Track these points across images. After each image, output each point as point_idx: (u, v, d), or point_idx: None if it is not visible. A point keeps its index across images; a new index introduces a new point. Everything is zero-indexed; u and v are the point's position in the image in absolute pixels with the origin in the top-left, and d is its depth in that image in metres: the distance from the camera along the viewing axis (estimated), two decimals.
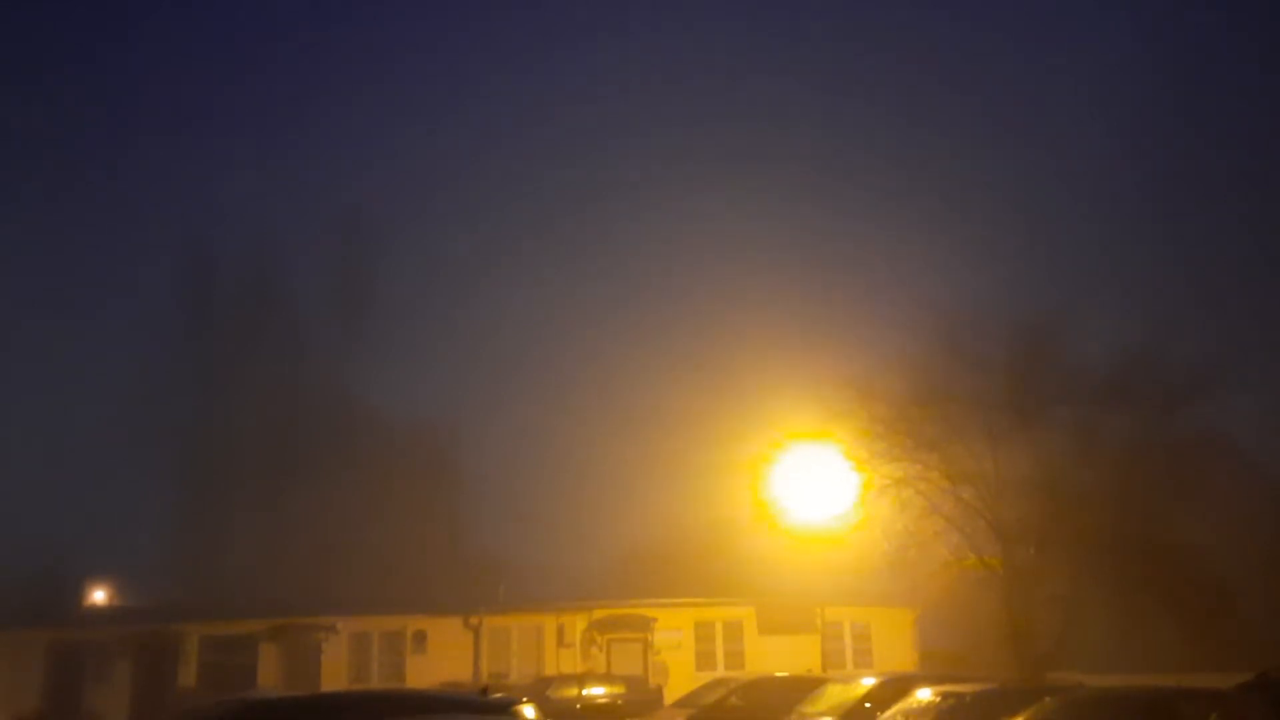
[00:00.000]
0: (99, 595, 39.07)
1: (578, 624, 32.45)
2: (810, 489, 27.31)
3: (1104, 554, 22.79)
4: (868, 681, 20.13)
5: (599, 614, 32.50)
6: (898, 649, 33.05)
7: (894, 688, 18.70)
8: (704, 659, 32.65)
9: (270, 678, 30.99)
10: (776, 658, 30.47)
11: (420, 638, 32.21)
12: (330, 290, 43.33)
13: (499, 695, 22.79)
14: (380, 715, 10.34)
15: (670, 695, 28.54)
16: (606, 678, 29.59)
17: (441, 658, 31.62)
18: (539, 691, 26.36)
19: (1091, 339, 24.80)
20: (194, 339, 43.06)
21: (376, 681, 31.05)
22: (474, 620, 32.18)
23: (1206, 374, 22.82)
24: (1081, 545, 22.84)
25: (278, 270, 44.26)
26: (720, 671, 30.24)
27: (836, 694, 19.92)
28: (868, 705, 18.69)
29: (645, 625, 32.59)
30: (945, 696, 17.05)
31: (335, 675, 31.03)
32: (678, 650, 32.53)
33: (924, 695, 17.39)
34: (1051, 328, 24.07)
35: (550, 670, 31.16)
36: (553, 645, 32.47)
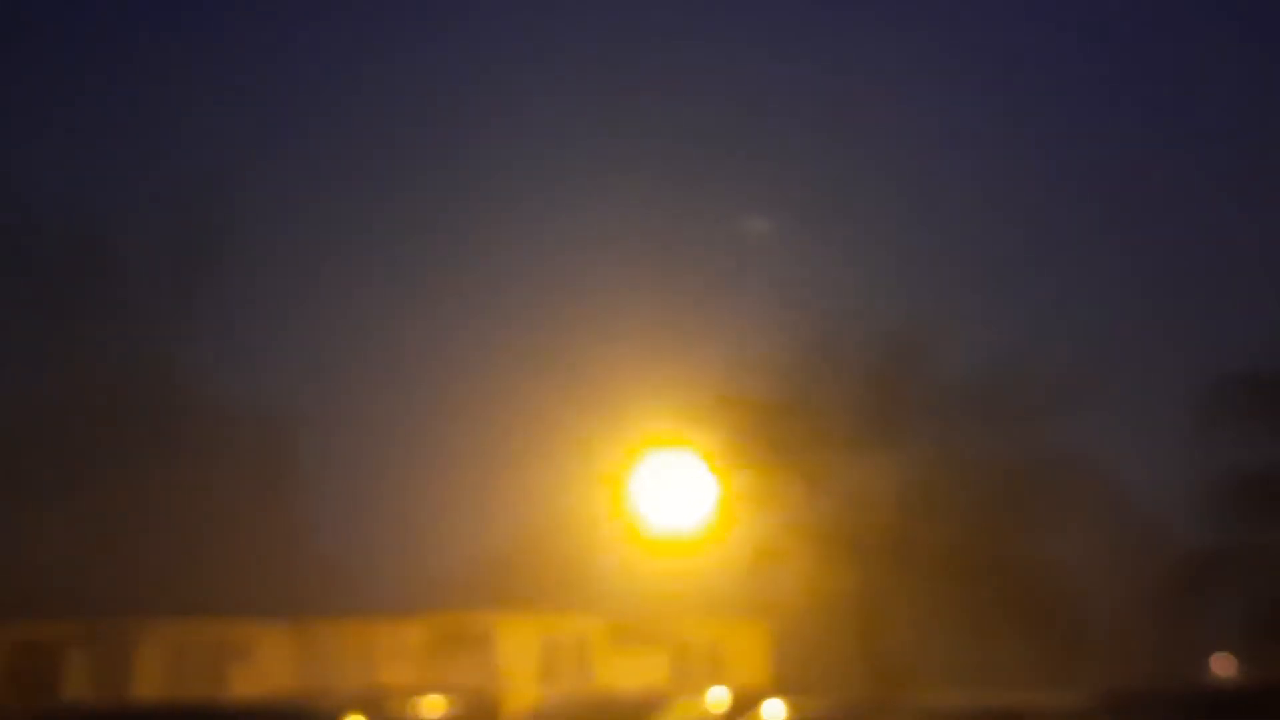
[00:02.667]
0: None
1: (415, 633, 30.98)
2: (667, 497, 26.79)
3: (960, 568, 22.82)
4: (718, 697, 19.89)
5: (438, 623, 31.11)
6: (751, 663, 32.60)
7: (744, 703, 18.60)
8: (548, 673, 31.54)
9: (77, 686, 28.63)
10: (626, 673, 29.65)
11: (243, 646, 30.22)
12: (165, 266, 40.70)
13: (326, 705, 21.21)
14: None
15: (511, 709, 27.36)
16: (443, 689, 28.17)
17: (267, 667, 29.68)
18: (371, 703, 24.81)
19: (958, 352, 24.75)
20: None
21: (195, 692, 28.93)
22: (302, 627, 30.39)
23: (1068, 391, 23.03)
24: (938, 559, 22.81)
25: (104, 238, 41.26)
26: (565, 686, 29.20)
27: (686, 710, 19.66)
28: None
29: (486, 636, 31.33)
30: (796, 711, 17.06)
31: (150, 684, 28.82)
32: (520, 663, 31.36)
33: (773, 710, 17.24)
34: (918, 339, 23.97)
35: (383, 681, 29.56)
36: (387, 655, 30.90)
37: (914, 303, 25.12)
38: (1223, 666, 27.47)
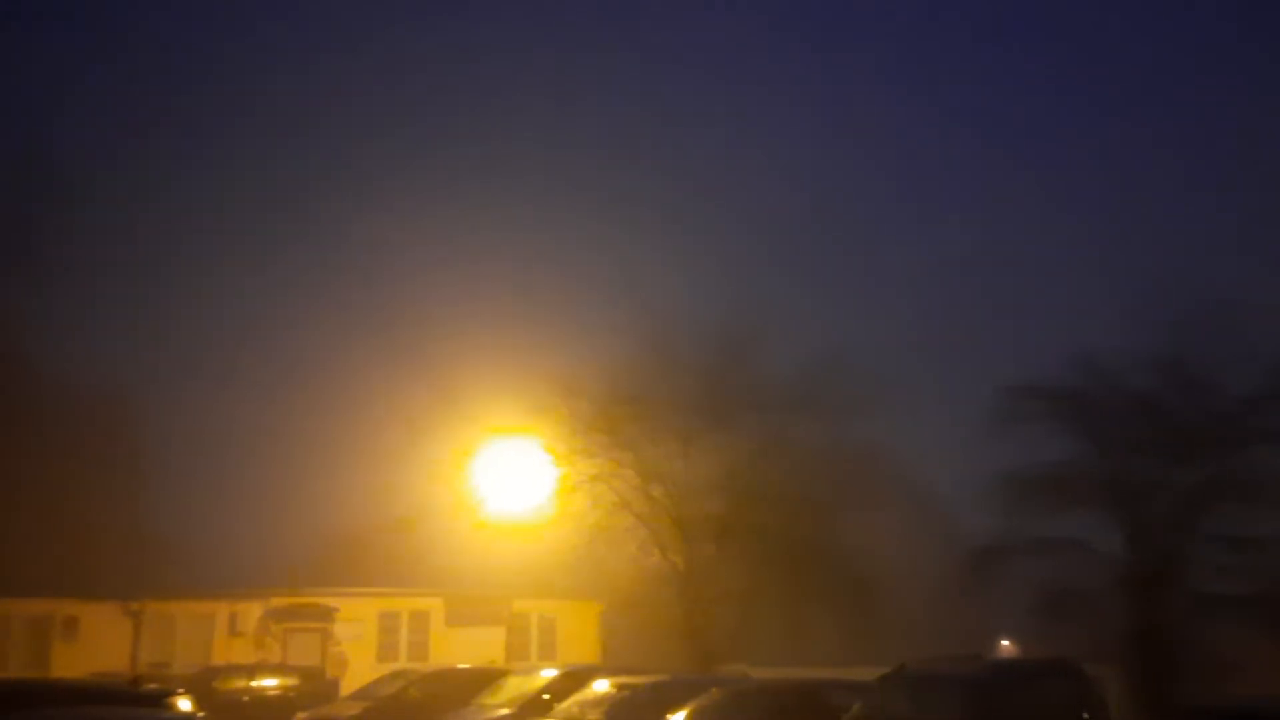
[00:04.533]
0: None
1: (253, 612, 30.79)
2: (508, 482, 27.40)
3: (778, 553, 24.16)
4: (548, 673, 20.42)
5: (276, 602, 30.95)
6: (583, 641, 33.55)
7: (573, 679, 19.04)
8: (387, 650, 31.81)
9: None
10: (463, 649, 30.20)
11: (70, 624, 29.53)
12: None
13: (153, 686, 21.17)
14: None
15: (348, 687, 27.62)
16: (279, 669, 28.22)
17: (95, 646, 29.08)
18: (204, 683, 24.78)
19: (781, 350, 26.24)
20: None
21: (15, 671, 28.09)
22: (134, 606, 29.87)
23: (881, 389, 24.70)
24: (758, 544, 24.12)
25: None
26: (403, 663, 29.59)
27: (516, 686, 20.12)
28: (546, 697, 18.95)
29: (326, 615, 31.36)
30: (620, 688, 17.51)
31: None
32: (359, 641, 31.54)
33: (600, 686, 17.81)
34: (747, 337, 25.23)
35: (219, 661, 29.37)
36: (224, 634, 30.64)
37: (742, 304, 26.49)
38: (1009, 648, 29.91)
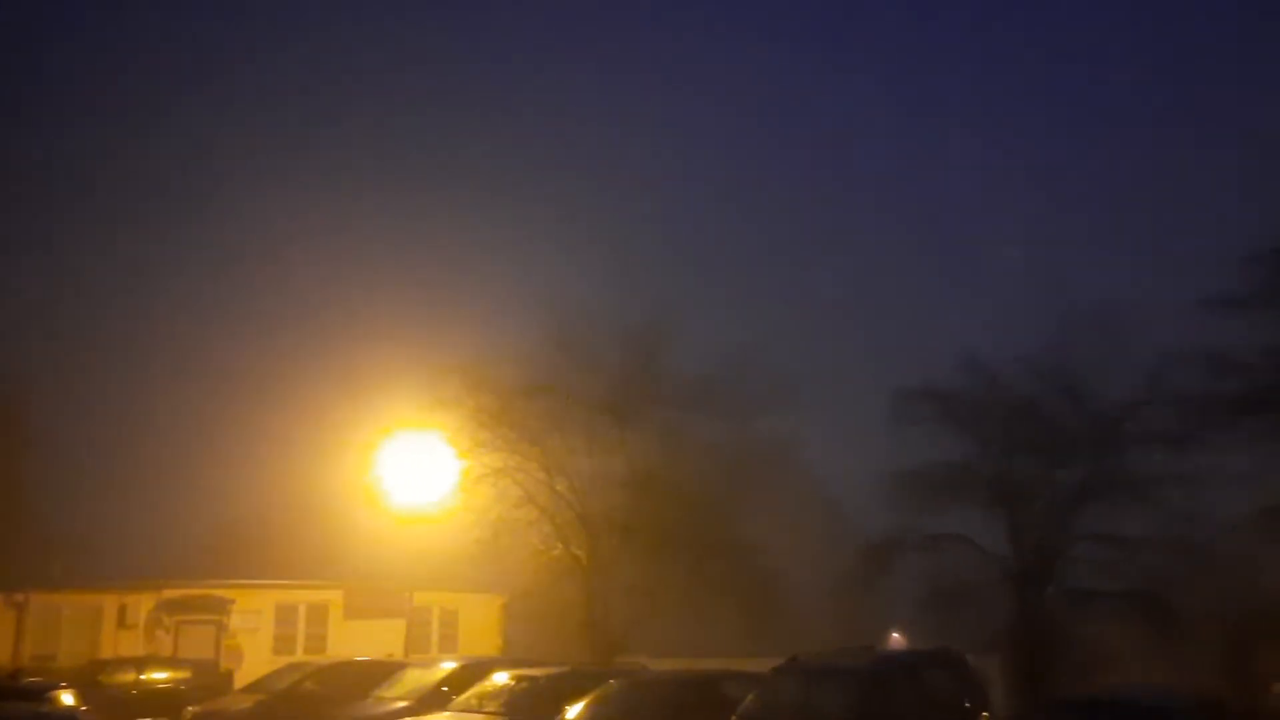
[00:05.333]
0: None
1: (144, 604, 30.09)
2: (411, 474, 27.28)
3: (680, 548, 24.48)
4: (447, 666, 20.42)
5: (169, 594, 30.31)
6: (484, 634, 33.56)
7: (472, 672, 19.08)
8: (283, 643, 31.39)
9: None
10: (362, 642, 29.92)
11: None
12: None
13: (35, 680, 20.59)
14: None
15: (242, 680, 27.20)
16: (170, 662, 27.68)
17: None
18: (89, 676, 24.24)
19: (689, 347, 26.57)
20: None
21: None
22: (18, 597, 28.96)
23: (783, 389, 25.15)
24: (660, 539, 24.40)
25: None
26: (300, 656, 29.25)
27: (415, 678, 20.05)
28: (445, 689, 18.95)
29: (221, 607, 30.82)
30: (520, 680, 17.64)
31: None
32: (254, 634, 31.05)
33: (500, 679, 17.91)
34: (654, 333, 25.47)
35: (108, 654, 28.66)
36: (113, 627, 29.87)
37: (650, 300, 26.70)
38: (899, 640, 30.84)
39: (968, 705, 14.36)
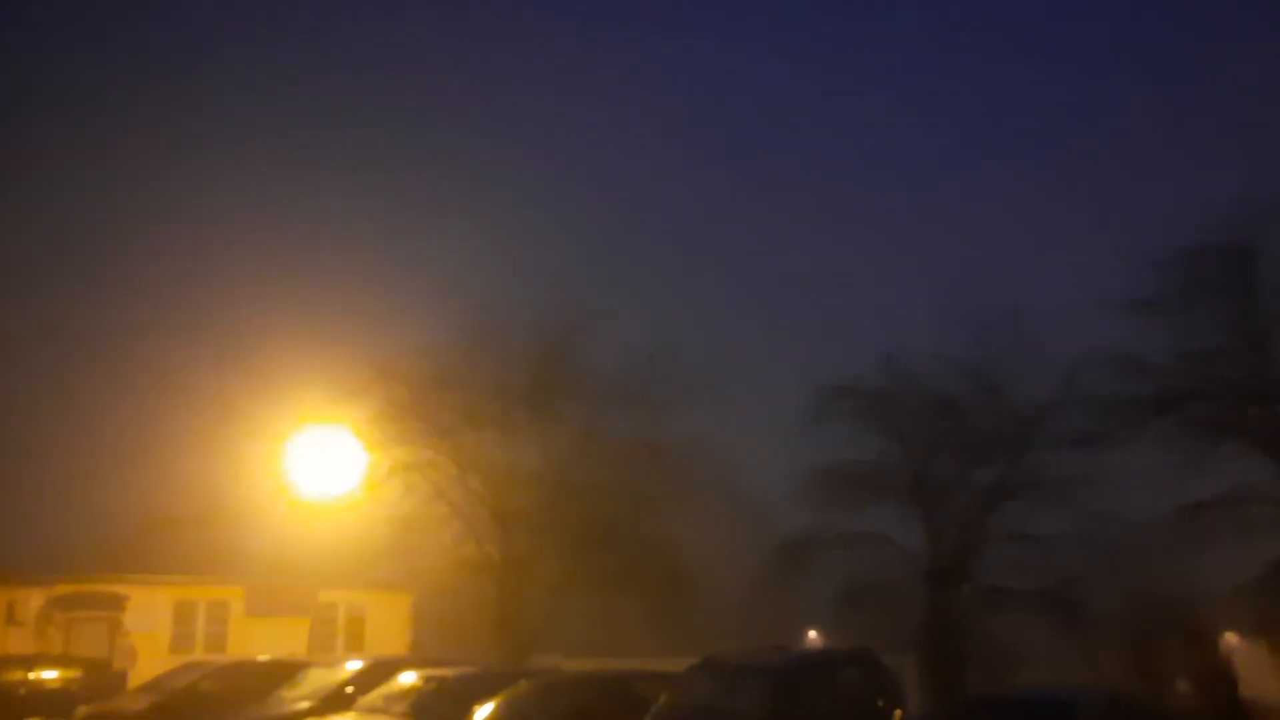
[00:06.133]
0: None
1: (33, 600, 28.80)
2: (318, 469, 26.51)
3: (595, 546, 24.13)
4: (352, 666, 19.80)
5: (60, 590, 29.03)
6: (393, 633, 32.83)
7: (378, 672, 18.53)
8: (181, 641, 30.29)
9: None
10: (264, 641, 29.00)
11: None
12: None
13: None
14: None
15: (137, 680, 26.14)
16: (61, 660, 26.49)
17: None
18: None
19: (607, 342, 26.24)
20: None
21: None
22: None
23: (702, 385, 24.92)
24: (576, 537, 24.03)
25: None
26: (199, 655, 28.23)
27: (318, 678, 19.40)
28: (350, 690, 18.34)
29: (115, 603, 29.61)
30: (428, 680, 17.15)
31: None
32: (151, 632, 29.91)
33: (407, 679, 17.39)
34: (570, 327, 25.08)
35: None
36: (0, 624, 28.55)
37: (566, 295, 26.26)
38: (814, 637, 30.90)
39: (881, 704, 14.30)
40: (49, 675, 25.23)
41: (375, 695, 17.25)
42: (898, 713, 14.37)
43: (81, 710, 21.52)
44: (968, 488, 21.67)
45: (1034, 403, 21.25)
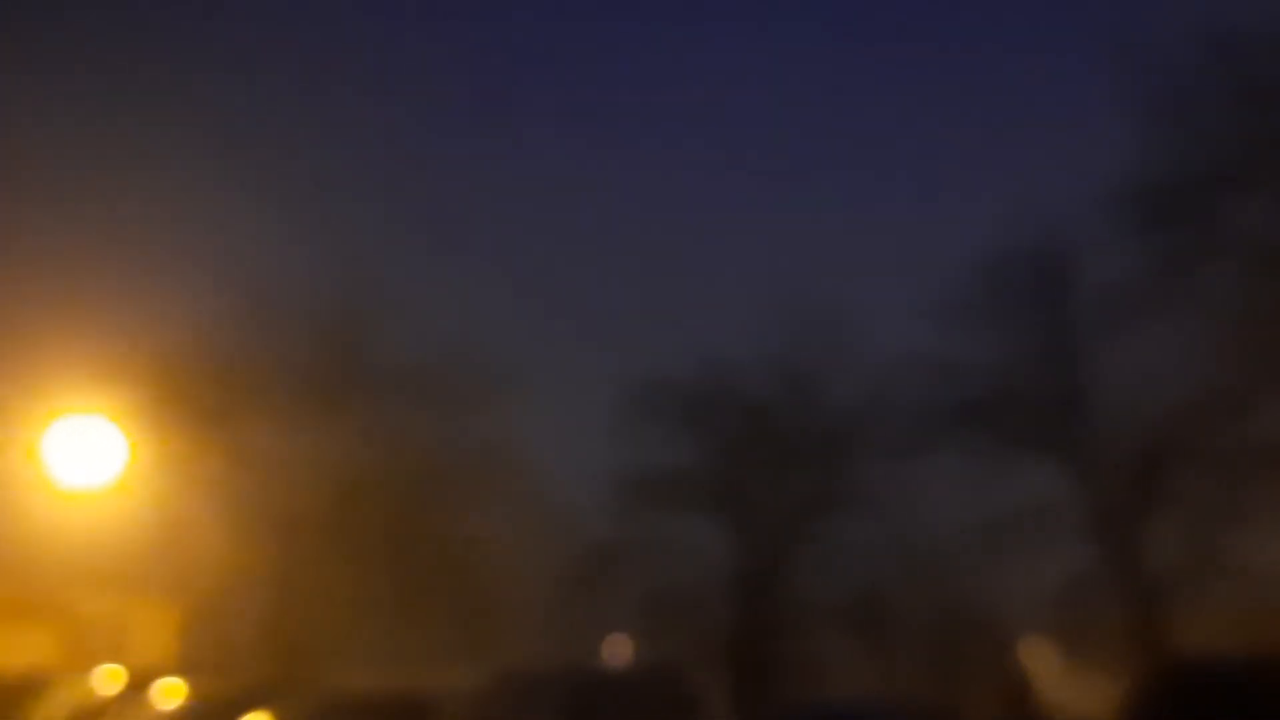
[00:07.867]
0: None
1: None
2: (73, 462, 23.91)
3: (387, 551, 22.74)
4: (104, 682, 17.95)
5: None
6: (153, 641, 30.30)
7: (137, 683, 16.73)
8: None
9: None
10: (4, 654, 26.10)
11: None
12: None
13: None
14: None
15: None
16: None
17: None
18: None
19: (403, 335, 24.50)
20: None
21: None
22: None
23: (506, 382, 23.68)
24: (365, 541, 22.59)
25: None
26: None
27: (64, 697, 17.44)
28: (100, 709, 16.46)
29: None
30: (193, 697, 15.61)
31: None
32: None
33: (165, 697, 15.78)
34: (362, 316, 23.40)
35: None
36: None
37: (358, 282, 24.23)
38: (618, 649, 30.11)
39: None
40: None
41: (131, 717, 15.49)
42: None
43: None
44: (780, 495, 21.38)
45: (847, 409, 21.13)
